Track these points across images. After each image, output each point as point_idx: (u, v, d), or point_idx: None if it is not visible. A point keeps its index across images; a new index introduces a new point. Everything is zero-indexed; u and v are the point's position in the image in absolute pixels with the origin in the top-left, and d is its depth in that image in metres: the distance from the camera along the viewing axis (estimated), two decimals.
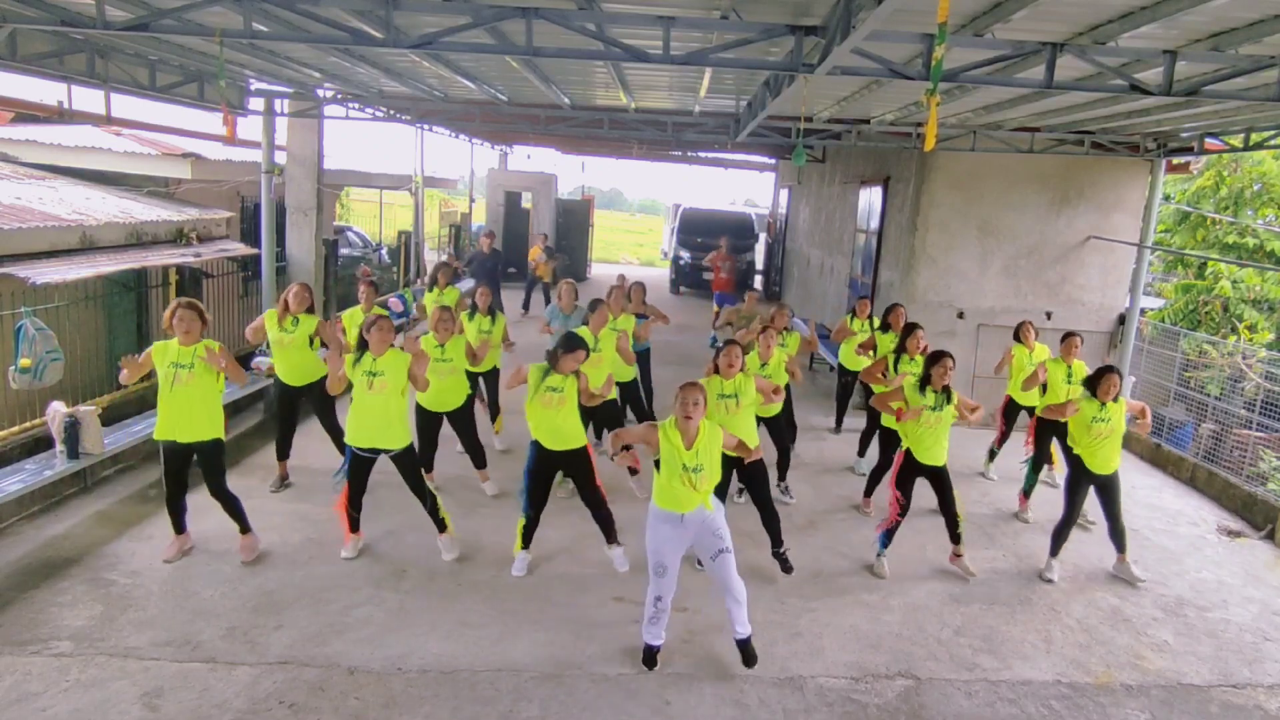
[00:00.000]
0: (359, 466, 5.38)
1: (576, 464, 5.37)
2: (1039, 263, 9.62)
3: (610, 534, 5.58)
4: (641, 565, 5.51)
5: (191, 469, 5.29)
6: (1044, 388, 6.84)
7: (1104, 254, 9.63)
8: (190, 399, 5.06)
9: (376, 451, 5.35)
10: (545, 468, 5.34)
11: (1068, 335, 6.84)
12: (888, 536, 5.80)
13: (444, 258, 19.02)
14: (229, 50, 6.91)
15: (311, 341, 6.31)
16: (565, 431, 5.26)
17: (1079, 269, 9.66)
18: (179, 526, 5.37)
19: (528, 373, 5.18)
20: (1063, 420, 5.86)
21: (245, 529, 5.43)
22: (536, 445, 5.29)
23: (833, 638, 4.98)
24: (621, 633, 4.84)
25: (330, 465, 6.73)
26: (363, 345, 5.20)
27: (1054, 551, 5.98)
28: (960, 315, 9.67)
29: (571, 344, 5.23)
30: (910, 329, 6.69)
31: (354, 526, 5.52)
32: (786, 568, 5.70)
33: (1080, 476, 5.81)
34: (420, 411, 6.36)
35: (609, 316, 6.73)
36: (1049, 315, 9.65)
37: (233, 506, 5.38)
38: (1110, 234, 9.54)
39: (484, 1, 4.69)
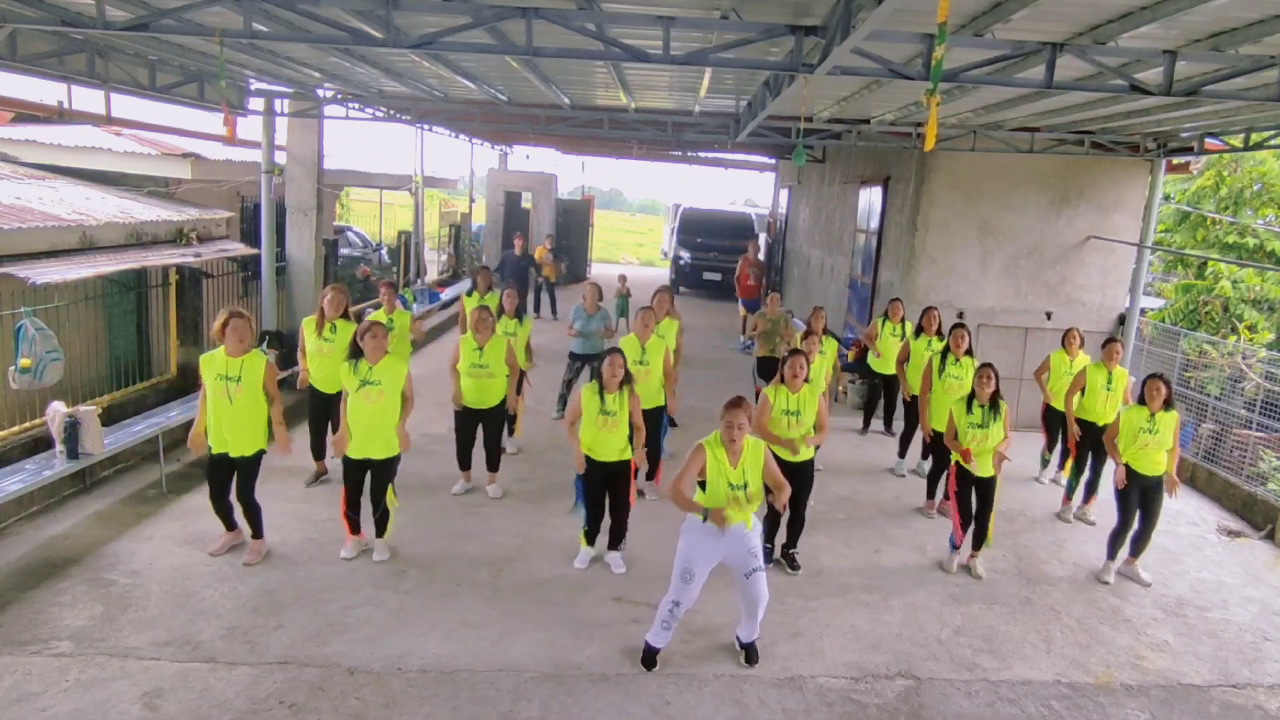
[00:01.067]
0: (351, 471, 5.35)
1: (618, 475, 5.42)
2: (1039, 263, 9.61)
3: (618, 542, 5.60)
4: (639, 566, 5.54)
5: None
6: (1083, 390, 6.86)
7: (1104, 254, 9.63)
8: (239, 413, 5.09)
9: (367, 460, 5.32)
10: (595, 479, 5.41)
11: (1109, 341, 6.88)
12: (954, 542, 5.94)
13: (444, 257, 19.09)
14: (229, 50, 6.91)
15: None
16: (615, 446, 5.33)
17: (1079, 269, 9.66)
18: (229, 524, 5.44)
19: (582, 400, 5.26)
20: (1116, 445, 5.85)
21: (258, 534, 5.44)
22: (586, 459, 5.36)
23: (833, 638, 4.98)
24: (621, 633, 4.84)
25: (333, 466, 6.73)
26: (356, 352, 5.19)
27: (1111, 554, 6.02)
28: (960, 315, 9.65)
29: (602, 358, 5.37)
30: (953, 329, 6.79)
31: (354, 529, 5.53)
32: (794, 566, 5.76)
33: (1129, 481, 5.83)
34: (459, 412, 6.46)
35: (654, 323, 6.63)
36: (1049, 315, 9.66)
37: (253, 514, 5.39)
38: (1110, 234, 9.54)
39: (484, 1, 4.69)
